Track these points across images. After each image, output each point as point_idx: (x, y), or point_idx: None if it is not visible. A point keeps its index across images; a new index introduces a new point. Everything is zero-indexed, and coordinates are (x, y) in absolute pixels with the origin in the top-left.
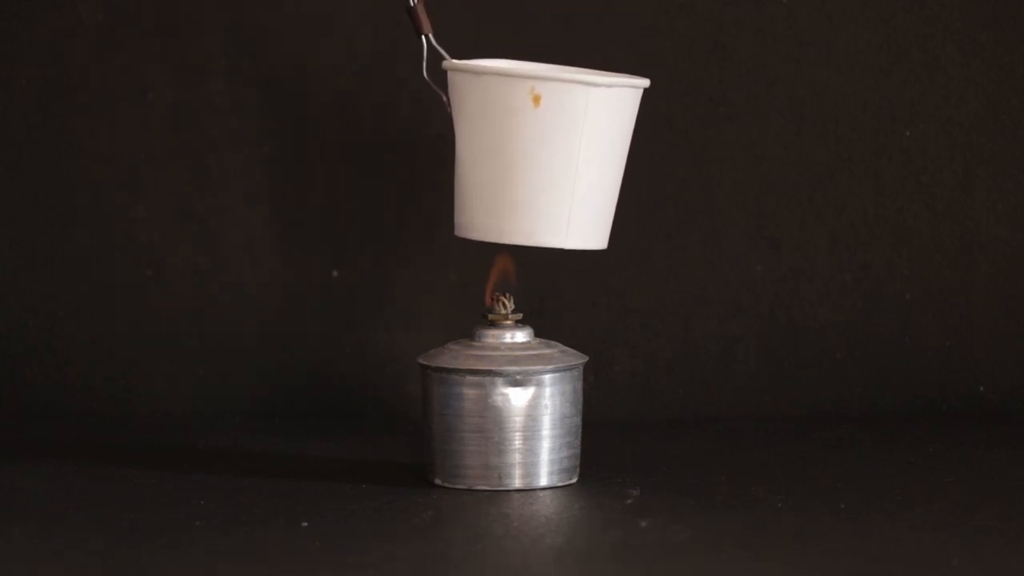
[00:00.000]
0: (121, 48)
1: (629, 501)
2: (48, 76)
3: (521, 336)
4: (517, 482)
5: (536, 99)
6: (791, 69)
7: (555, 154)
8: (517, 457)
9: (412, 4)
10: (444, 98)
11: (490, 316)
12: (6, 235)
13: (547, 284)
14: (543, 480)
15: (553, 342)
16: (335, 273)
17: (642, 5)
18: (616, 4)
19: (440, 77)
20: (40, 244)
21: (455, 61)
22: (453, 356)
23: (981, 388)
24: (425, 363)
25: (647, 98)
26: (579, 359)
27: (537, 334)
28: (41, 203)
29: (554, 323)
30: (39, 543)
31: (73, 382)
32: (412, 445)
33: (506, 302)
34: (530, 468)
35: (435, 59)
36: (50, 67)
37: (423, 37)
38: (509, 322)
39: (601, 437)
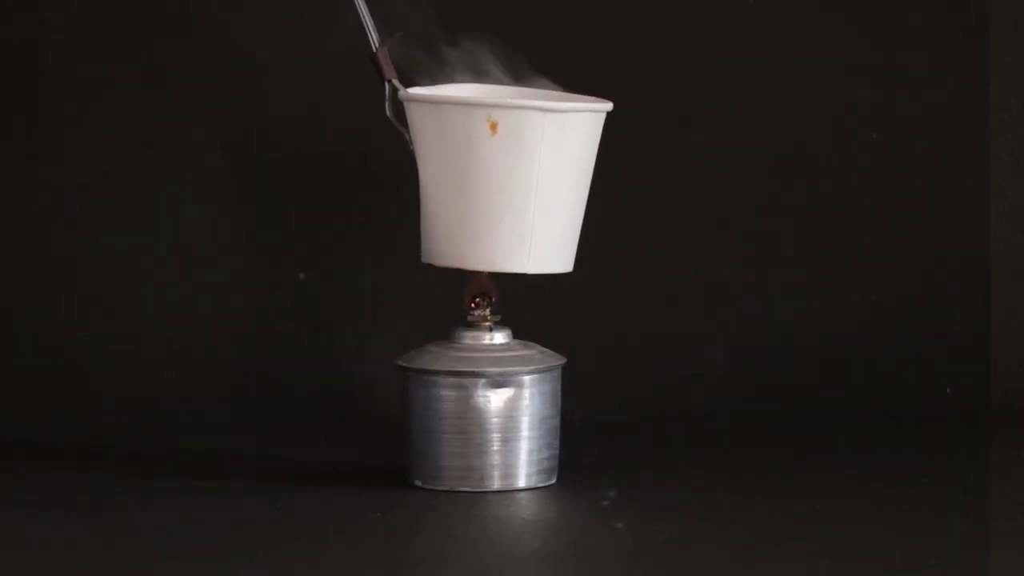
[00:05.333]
0: (91, 49)
1: (606, 502)
2: (18, 77)
3: (500, 337)
4: (496, 483)
5: (493, 126)
6: (769, 71)
7: (514, 180)
8: (497, 458)
9: (375, 50)
10: (406, 136)
11: (469, 318)
12: (6, 235)
13: (522, 285)
14: (522, 481)
15: (531, 343)
16: (301, 275)
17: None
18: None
19: (403, 115)
20: (38, 245)
21: (412, 91)
22: (433, 358)
23: (981, 388)
24: (404, 365)
25: (623, 97)
26: (558, 360)
27: (513, 335)
28: (29, 206)
29: (530, 324)
30: (36, 543)
31: (70, 382)
32: (392, 447)
33: (484, 303)
34: (510, 469)
35: (397, 101)
36: (21, 68)
37: (386, 82)
38: (488, 323)
39: (578, 438)
